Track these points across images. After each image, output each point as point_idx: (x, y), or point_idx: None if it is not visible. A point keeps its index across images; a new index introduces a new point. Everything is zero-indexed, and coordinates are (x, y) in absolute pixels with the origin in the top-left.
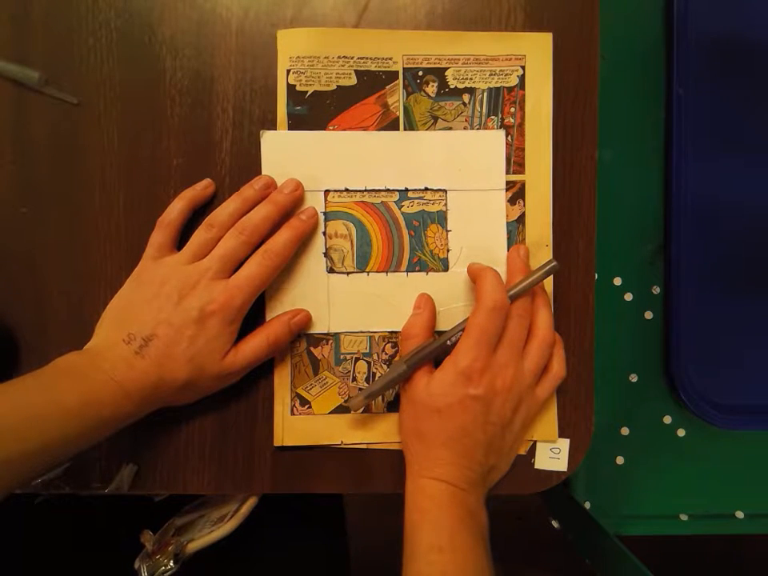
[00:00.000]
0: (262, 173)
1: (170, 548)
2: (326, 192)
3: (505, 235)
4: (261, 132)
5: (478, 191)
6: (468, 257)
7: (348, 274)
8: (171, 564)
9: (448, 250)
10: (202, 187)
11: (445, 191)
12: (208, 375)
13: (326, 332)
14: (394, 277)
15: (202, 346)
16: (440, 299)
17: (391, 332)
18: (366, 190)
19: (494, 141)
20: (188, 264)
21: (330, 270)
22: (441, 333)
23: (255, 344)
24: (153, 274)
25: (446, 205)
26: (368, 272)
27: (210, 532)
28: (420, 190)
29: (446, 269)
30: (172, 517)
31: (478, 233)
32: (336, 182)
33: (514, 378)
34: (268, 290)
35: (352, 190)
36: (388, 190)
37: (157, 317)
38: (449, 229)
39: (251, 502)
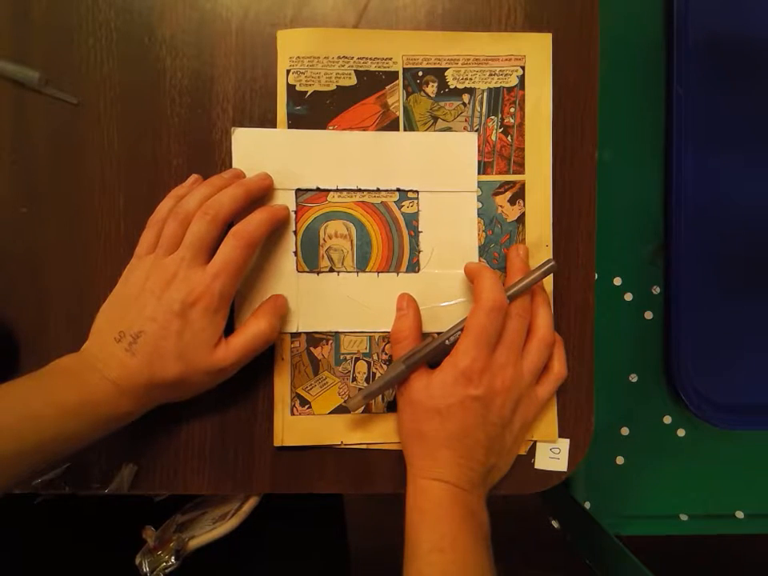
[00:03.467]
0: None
1: (171, 544)
2: (297, 191)
3: (476, 238)
4: (232, 129)
5: (451, 193)
6: (439, 258)
7: (318, 273)
8: (172, 560)
9: (419, 251)
10: (189, 184)
11: (417, 192)
12: (200, 370)
13: (295, 331)
14: (364, 277)
15: (190, 340)
16: None
17: (385, 332)
18: (337, 190)
19: (467, 143)
20: (164, 257)
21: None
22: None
23: (245, 335)
24: (137, 272)
25: (417, 206)
26: (338, 272)
27: (211, 529)
28: (392, 190)
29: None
30: (173, 515)
31: (449, 234)
32: (307, 181)
33: (513, 377)
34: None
35: (324, 189)
36: (360, 190)
37: (142, 313)
38: (420, 230)
39: (253, 501)
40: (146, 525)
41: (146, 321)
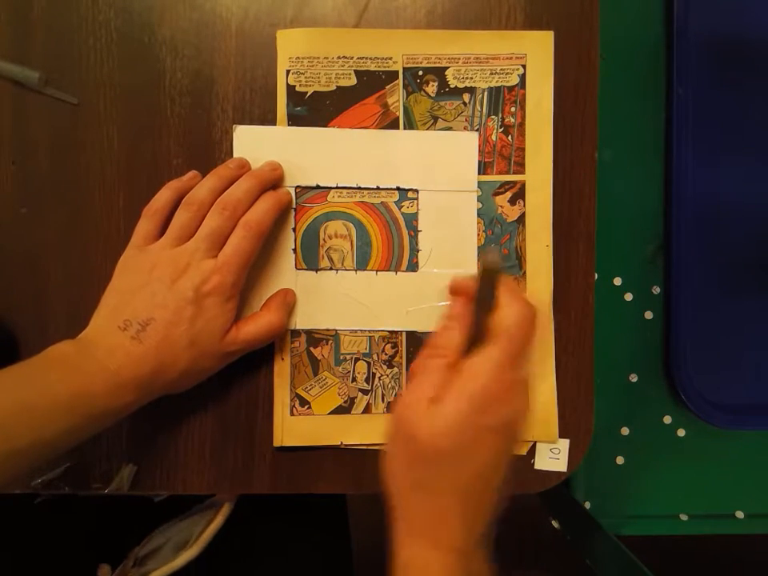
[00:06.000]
0: None
1: None
2: (298, 188)
3: (476, 238)
4: (233, 126)
5: (451, 192)
6: (438, 258)
7: (317, 271)
8: None
9: (418, 251)
10: (188, 178)
11: (416, 191)
12: (208, 355)
13: (293, 328)
14: (363, 275)
15: (202, 328)
16: (409, 300)
17: (391, 332)
18: (338, 187)
19: (467, 143)
20: (173, 247)
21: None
22: (411, 333)
23: (256, 325)
24: (140, 262)
25: (417, 205)
26: (337, 270)
27: (172, 559)
28: (392, 189)
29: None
30: (170, 519)
31: (449, 234)
32: (308, 179)
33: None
34: None
35: (324, 187)
36: (360, 189)
37: (152, 301)
38: (419, 229)
39: (214, 527)
40: (101, 563)
41: (156, 308)
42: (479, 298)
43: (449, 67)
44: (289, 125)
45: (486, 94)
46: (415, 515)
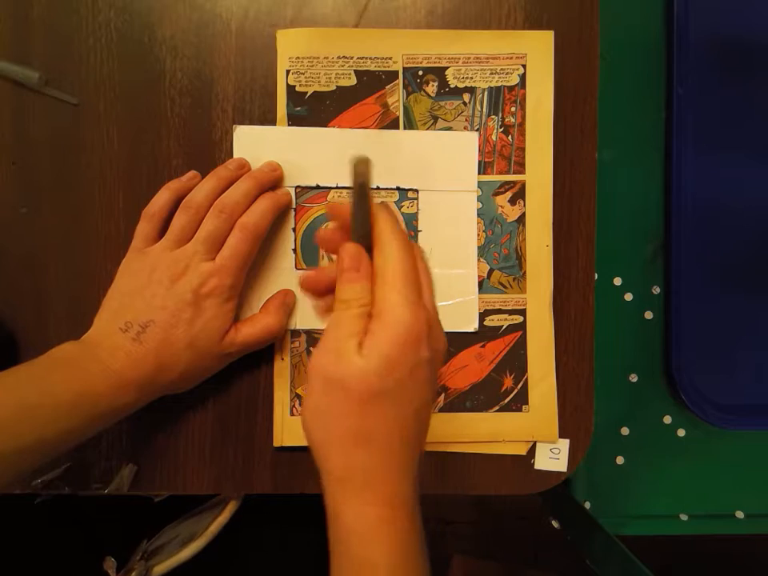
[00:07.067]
0: None
1: (133, 573)
2: (297, 188)
3: (476, 237)
4: (233, 126)
5: (451, 192)
6: (438, 258)
7: None
8: None
9: None
10: (188, 179)
11: (416, 191)
12: (207, 356)
13: (293, 328)
14: None
15: (201, 329)
16: None
17: None
18: (337, 187)
19: (467, 142)
20: (173, 249)
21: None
22: None
23: (255, 327)
24: (141, 264)
25: (417, 206)
26: None
27: (177, 552)
28: (392, 189)
29: None
30: (172, 519)
31: (449, 234)
32: (308, 179)
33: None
34: None
35: (324, 187)
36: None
37: (151, 303)
38: (419, 229)
39: (220, 520)
40: (107, 556)
41: (156, 310)
42: (356, 217)
43: (449, 67)
44: (289, 125)
45: (486, 93)
46: (356, 471)
